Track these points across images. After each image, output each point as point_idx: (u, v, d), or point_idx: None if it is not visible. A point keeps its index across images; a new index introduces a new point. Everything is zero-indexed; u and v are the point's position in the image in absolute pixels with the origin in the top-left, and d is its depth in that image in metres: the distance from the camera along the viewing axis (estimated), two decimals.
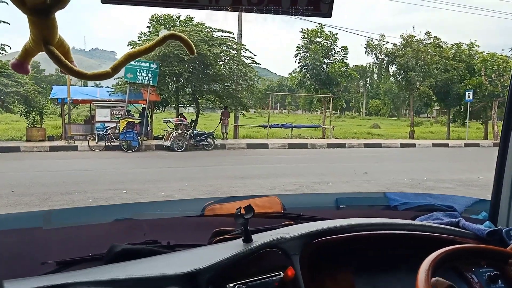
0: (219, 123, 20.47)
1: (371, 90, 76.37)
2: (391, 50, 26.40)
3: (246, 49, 19.03)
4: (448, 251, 1.03)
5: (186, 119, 19.01)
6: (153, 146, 17.49)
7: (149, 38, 20.37)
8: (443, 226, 1.50)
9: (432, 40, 26.87)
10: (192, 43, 0.82)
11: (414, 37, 26.07)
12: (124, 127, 16.37)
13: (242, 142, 19.34)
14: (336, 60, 24.20)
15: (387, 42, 27.28)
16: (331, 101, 23.34)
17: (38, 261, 1.28)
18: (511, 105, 1.54)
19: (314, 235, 1.29)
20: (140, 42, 21.19)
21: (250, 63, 19.23)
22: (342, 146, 19.70)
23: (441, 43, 26.87)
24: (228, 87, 19.72)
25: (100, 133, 16.88)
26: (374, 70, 77.67)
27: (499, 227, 1.50)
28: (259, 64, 19.46)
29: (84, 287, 1.01)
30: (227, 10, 0.71)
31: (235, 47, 18.86)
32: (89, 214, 1.96)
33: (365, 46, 27.63)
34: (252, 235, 1.24)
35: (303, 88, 25.32)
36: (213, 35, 18.75)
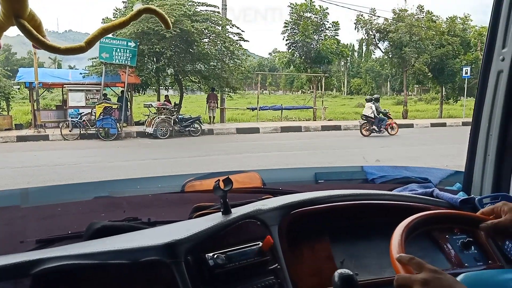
0: (206, 106, 18.99)
1: (351, 69, 75.39)
2: (383, 26, 25.11)
3: (233, 25, 17.37)
4: (420, 217, 0.98)
5: (170, 103, 17.42)
6: (134, 133, 15.92)
7: (124, 14, 18.47)
8: (417, 196, 1.54)
9: (424, 14, 25.69)
10: (167, 17, 0.80)
11: (407, 11, 24.80)
12: (101, 113, 14.74)
13: (231, 126, 17.91)
14: (327, 37, 22.76)
15: (379, 17, 25.91)
16: (323, 80, 22.00)
17: (17, 239, 1.28)
18: (484, 77, 1.57)
19: (292, 206, 1.31)
20: (115, 18, 19.27)
21: (238, 40, 17.61)
22: (337, 128, 18.50)
23: (433, 17, 25.72)
24: (213, 67, 18.11)
25: (74, 120, 15.19)
26: (355, 48, 76.39)
27: (472, 196, 1.53)
28: (247, 41, 17.88)
29: (63, 261, 1.00)
30: None
31: (220, 22, 17.17)
32: (67, 192, 1.90)
33: (355, 21, 26.27)
34: (231, 209, 1.25)
35: (292, 67, 23.82)
36: (196, 9, 17.01)
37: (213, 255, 1.11)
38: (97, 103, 15.41)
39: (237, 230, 1.20)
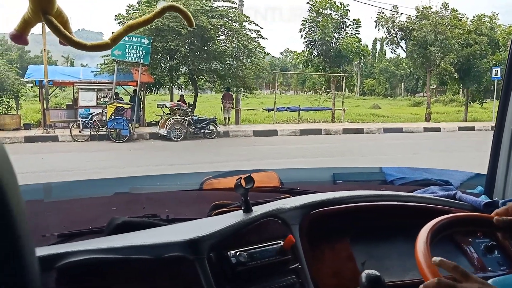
0: (221, 106, 18.14)
1: (364, 69, 74.00)
2: (405, 24, 24.03)
3: (251, 21, 16.48)
4: (444, 220, 0.97)
5: (185, 103, 16.60)
6: (147, 134, 15.14)
7: (138, 10, 17.71)
8: (440, 198, 1.52)
9: (449, 12, 24.54)
10: (191, 15, 0.80)
11: (431, 8, 23.70)
12: (112, 113, 13.99)
13: (247, 128, 17.04)
14: (347, 35, 21.74)
15: (401, 14, 24.75)
16: (343, 81, 21.00)
17: (39, 233, 1.27)
18: (509, 80, 1.56)
19: (313, 205, 1.31)
20: (128, 15, 18.52)
21: (256, 37, 16.72)
22: (360, 131, 17.51)
23: (459, 16, 24.54)
24: (229, 65, 17.25)
25: (84, 120, 14.45)
26: (368, 48, 74.74)
27: (496, 199, 1.51)
28: (265, 38, 16.97)
29: (86, 255, 1.00)
30: None
31: (238, 19, 16.30)
32: (89, 188, 1.91)
33: (376, 19, 25.23)
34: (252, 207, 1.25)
35: (310, 67, 22.84)
36: (212, 4, 16.15)
37: (236, 252, 1.11)
38: (108, 102, 14.65)
39: (258, 228, 1.20)
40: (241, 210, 1.24)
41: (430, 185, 1.76)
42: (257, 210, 1.24)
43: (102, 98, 15.96)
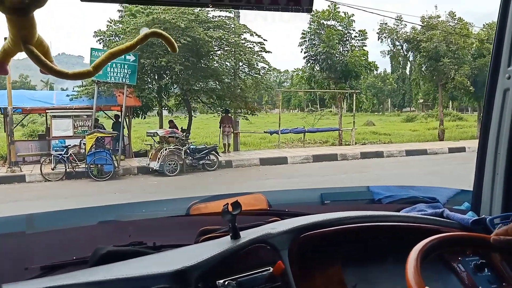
0: (220, 131, 15.80)
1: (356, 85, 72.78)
2: (411, 35, 22.26)
3: (254, 33, 14.26)
4: (434, 240, 0.98)
5: (178, 129, 14.21)
6: (135, 168, 12.66)
7: (121, 22, 15.40)
8: (428, 216, 1.53)
9: (456, 21, 22.91)
10: (173, 40, 0.80)
11: (439, 17, 22.00)
12: (92, 145, 11.51)
13: (251, 156, 14.69)
14: (353, 47, 19.77)
15: (405, 25, 23.06)
16: (354, 98, 18.92)
17: (21, 266, 1.24)
18: (490, 96, 1.57)
19: (301, 229, 1.29)
20: (107, 30, 16.19)
21: (258, 51, 14.49)
22: (380, 155, 15.35)
23: (467, 25, 22.92)
24: (228, 84, 14.99)
25: (59, 154, 11.87)
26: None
27: (483, 216, 1.50)
28: (269, 52, 14.76)
29: None
30: (208, 6, 0.74)
31: (237, 31, 14.09)
32: (72, 217, 1.87)
33: (378, 31, 23.44)
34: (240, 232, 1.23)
35: (313, 83, 20.71)
36: (208, 15, 13.93)
37: (224, 282, 1.09)
38: (87, 132, 12.13)
39: (247, 255, 1.18)
40: (229, 237, 1.21)
41: (417, 202, 1.77)
42: (245, 235, 1.22)
43: (80, 126, 13.43)
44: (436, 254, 1.07)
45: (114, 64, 12.15)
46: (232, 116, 15.99)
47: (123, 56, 12.06)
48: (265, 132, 18.43)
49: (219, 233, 1.37)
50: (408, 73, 66.44)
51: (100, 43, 16.27)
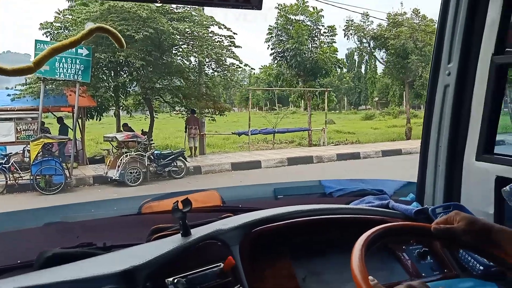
0: (186, 134, 14.43)
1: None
2: (379, 32, 21.85)
3: (222, 25, 12.99)
4: (377, 231, 0.98)
5: (132, 131, 12.67)
6: (90, 178, 11.09)
7: (72, 11, 13.64)
8: (374, 208, 1.58)
9: (420, 19, 22.80)
10: (120, 36, 0.78)
11: (406, 14, 21.79)
12: (38, 153, 9.88)
13: (221, 160, 13.45)
14: (323, 44, 18.98)
15: (372, 22, 22.67)
16: (326, 96, 18.14)
17: None
18: (432, 91, 1.64)
19: (252, 224, 1.31)
20: (55, 22, 14.34)
21: (228, 45, 13.26)
22: (356, 156, 14.59)
23: (430, 22, 22.88)
24: (193, 81, 13.68)
25: None
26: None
27: (426, 206, 1.58)
28: (239, 47, 13.56)
29: None
30: (156, 2, 0.70)
31: (205, 23, 12.79)
32: (17, 219, 1.79)
33: (345, 27, 22.87)
34: (191, 229, 1.23)
35: (281, 81, 19.72)
36: (171, 6, 12.53)
37: (174, 279, 1.08)
38: (32, 138, 10.44)
39: (197, 252, 1.18)
40: (180, 234, 1.20)
41: (366, 195, 1.81)
42: (196, 232, 1.22)
43: (23, 131, 11.70)
44: (381, 244, 1.05)
45: (64, 58, 10.57)
46: (198, 117, 14.67)
47: (74, 50, 10.52)
48: (233, 133, 17.23)
49: (171, 231, 1.35)
50: (363, 72, 67.66)
51: (47, 36, 14.42)
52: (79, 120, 12.95)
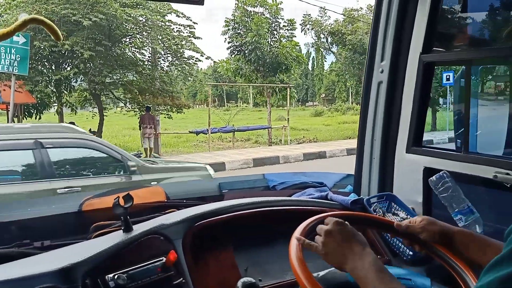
0: (140, 133, 13.08)
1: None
2: (336, 27, 21.57)
3: (181, 14, 11.80)
4: (314, 220, 1.03)
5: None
6: None
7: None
8: (314, 199, 1.67)
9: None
10: (57, 28, 0.73)
11: (361, 9, 21.69)
12: None
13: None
14: (283, 38, 18.24)
15: (330, 17, 22.40)
16: (288, 92, 17.43)
17: None
18: (367, 88, 1.69)
19: (195, 218, 1.31)
20: None
21: (187, 36, 12.08)
22: (323, 155, 14.02)
23: None
24: (148, 75, 12.39)
25: None
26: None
27: (361, 196, 1.68)
28: (199, 38, 12.42)
29: None
30: None
31: (160, 10, 11.54)
32: None
33: (302, 22, 22.39)
34: (133, 225, 1.21)
35: (240, 76, 18.73)
36: None
37: (114, 275, 1.06)
38: None
39: (139, 247, 1.16)
40: (122, 230, 1.18)
41: (307, 187, 1.89)
42: (139, 228, 1.20)
43: None
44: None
45: None
46: (153, 114, 13.36)
47: (9, 39, 8.91)
48: (190, 132, 16.04)
49: (113, 227, 1.32)
50: (310, 69, 68.27)
51: None
52: (15, 119, 11.23)
